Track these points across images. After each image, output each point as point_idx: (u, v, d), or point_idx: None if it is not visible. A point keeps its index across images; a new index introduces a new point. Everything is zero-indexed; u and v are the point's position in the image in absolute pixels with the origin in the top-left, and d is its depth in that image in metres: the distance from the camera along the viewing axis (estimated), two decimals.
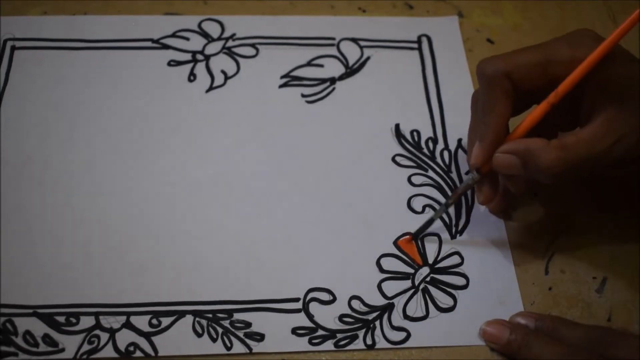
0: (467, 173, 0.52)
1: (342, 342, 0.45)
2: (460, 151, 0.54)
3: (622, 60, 0.43)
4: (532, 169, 0.43)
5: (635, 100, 0.42)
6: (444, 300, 0.47)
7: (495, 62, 0.44)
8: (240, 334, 0.45)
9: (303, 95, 0.57)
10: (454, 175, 0.53)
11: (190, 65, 0.58)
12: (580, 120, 0.45)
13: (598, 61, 0.42)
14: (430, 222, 0.49)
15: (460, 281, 0.48)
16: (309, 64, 0.58)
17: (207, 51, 0.59)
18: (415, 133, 0.55)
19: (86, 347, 0.44)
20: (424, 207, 0.51)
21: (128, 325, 0.45)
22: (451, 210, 0.51)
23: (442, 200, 0.51)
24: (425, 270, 0.48)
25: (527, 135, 0.45)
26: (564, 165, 0.42)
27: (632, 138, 0.42)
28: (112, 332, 0.45)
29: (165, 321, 0.45)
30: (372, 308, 0.47)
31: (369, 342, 0.45)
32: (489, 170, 0.46)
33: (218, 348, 0.44)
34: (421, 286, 0.48)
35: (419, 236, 0.49)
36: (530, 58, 0.44)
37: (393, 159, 0.53)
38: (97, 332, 0.45)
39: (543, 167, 0.42)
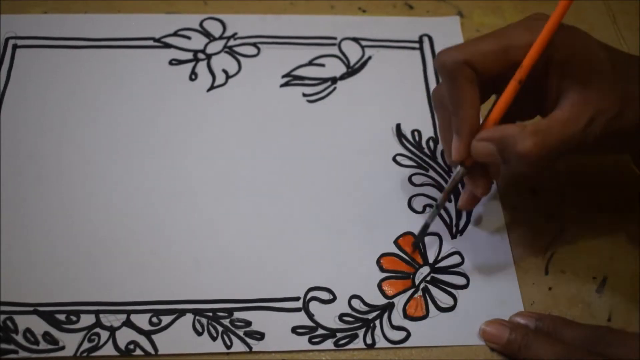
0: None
1: (342, 342, 0.45)
2: None
3: (581, 41, 0.43)
4: (510, 155, 0.42)
5: (600, 78, 0.42)
6: (444, 300, 0.47)
7: (453, 53, 0.43)
8: (240, 332, 0.45)
9: (304, 95, 0.57)
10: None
11: (192, 64, 0.58)
12: (548, 105, 0.45)
13: (556, 27, 0.42)
14: (426, 226, 0.48)
15: (461, 281, 0.48)
16: (310, 63, 0.58)
17: (209, 50, 0.59)
18: (416, 133, 0.55)
19: (86, 345, 0.44)
20: (424, 207, 0.51)
21: (128, 323, 0.45)
22: (452, 209, 0.51)
23: None
24: (425, 270, 0.48)
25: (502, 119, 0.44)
26: (541, 149, 0.41)
27: (607, 115, 0.42)
28: (113, 330, 0.45)
29: (166, 319, 0.45)
30: (372, 307, 0.47)
31: (369, 341, 0.45)
32: (474, 162, 0.45)
33: (218, 347, 0.44)
34: (421, 286, 0.48)
35: (419, 243, 0.49)
36: (489, 45, 0.43)
37: (394, 159, 0.53)
38: (97, 330, 0.45)
39: (520, 153, 0.42)
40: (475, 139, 0.44)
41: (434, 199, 0.51)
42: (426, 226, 0.48)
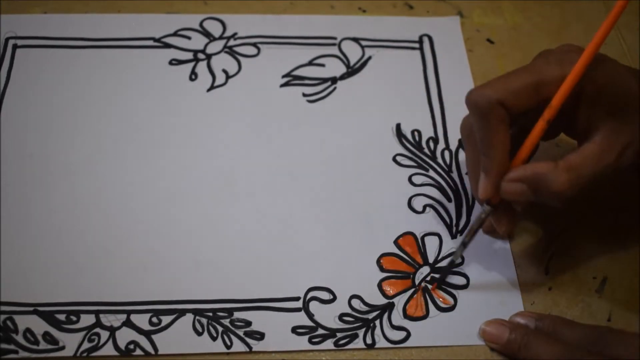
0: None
1: (342, 341, 0.45)
2: (461, 151, 0.54)
3: (610, 71, 0.43)
4: (543, 193, 0.42)
5: (631, 107, 0.42)
6: (444, 299, 0.47)
7: (486, 92, 0.42)
8: (240, 332, 0.45)
9: (304, 95, 0.57)
10: (454, 175, 0.53)
11: (192, 64, 0.58)
12: (578, 133, 0.44)
13: (586, 66, 0.41)
14: (452, 264, 0.48)
15: (461, 281, 0.48)
16: (310, 63, 0.58)
17: (209, 50, 0.59)
18: (416, 133, 0.55)
19: (86, 345, 0.44)
20: (424, 207, 0.51)
21: (128, 323, 0.45)
22: (452, 209, 0.51)
23: (442, 200, 0.51)
24: (425, 270, 0.48)
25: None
26: (575, 186, 0.41)
27: (637, 145, 0.42)
28: (113, 330, 0.45)
29: (166, 319, 0.45)
30: (372, 307, 0.47)
31: (368, 341, 0.45)
32: (501, 201, 0.45)
33: (218, 347, 0.44)
34: (421, 285, 0.48)
35: (443, 280, 0.48)
36: (521, 82, 0.42)
37: (394, 159, 0.53)
38: (97, 330, 0.45)
39: (554, 191, 0.41)
40: (506, 180, 0.43)
41: (434, 199, 0.51)
42: (452, 264, 0.48)
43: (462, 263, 0.48)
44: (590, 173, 0.42)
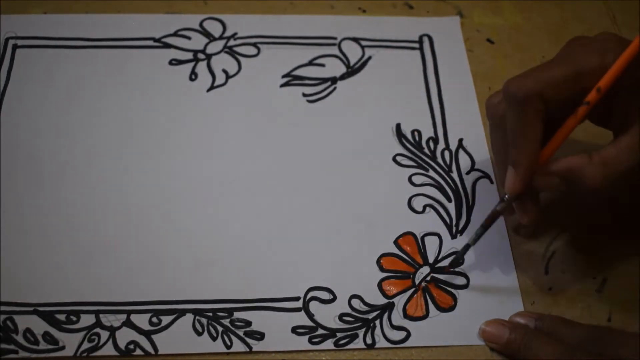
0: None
1: (342, 341, 0.45)
2: (461, 151, 0.54)
3: None
4: (577, 187, 0.42)
5: None
6: (444, 299, 0.47)
7: (525, 83, 0.41)
8: (240, 332, 0.45)
9: (304, 95, 0.57)
10: (454, 175, 0.53)
11: (192, 64, 0.58)
12: (613, 126, 0.44)
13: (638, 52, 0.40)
14: (467, 247, 0.47)
15: (461, 281, 0.48)
16: (310, 63, 0.58)
17: (209, 50, 0.59)
18: (416, 133, 0.55)
19: (86, 345, 0.44)
20: (424, 207, 0.51)
21: (128, 323, 0.45)
22: (451, 209, 0.51)
23: (442, 200, 0.51)
24: (425, 270, 0.48)
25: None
26: (610, 180, 0.41)
27: None
28: (113, 330, 0.45)
29: (166, 320, 0.45)
30: (372, 307, 0.47)
31: (368, 341, 0.45)
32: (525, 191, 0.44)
33: (218, 347, 0.45)
34: (422, 285, 0.48)
35: (456, 264, 0.48)
36: (561, 73, 0.41)
37: (394, 159, 0.53)
38: (97, 330, 0.45)
39: (588, 185, 0.41)
40: (540, 173, 0.43)
41: (434, 199, 0.51)
42: (467, 247, 0.47)
43: (462, 263, 0.48)
44: (626, 166, 0.41)
